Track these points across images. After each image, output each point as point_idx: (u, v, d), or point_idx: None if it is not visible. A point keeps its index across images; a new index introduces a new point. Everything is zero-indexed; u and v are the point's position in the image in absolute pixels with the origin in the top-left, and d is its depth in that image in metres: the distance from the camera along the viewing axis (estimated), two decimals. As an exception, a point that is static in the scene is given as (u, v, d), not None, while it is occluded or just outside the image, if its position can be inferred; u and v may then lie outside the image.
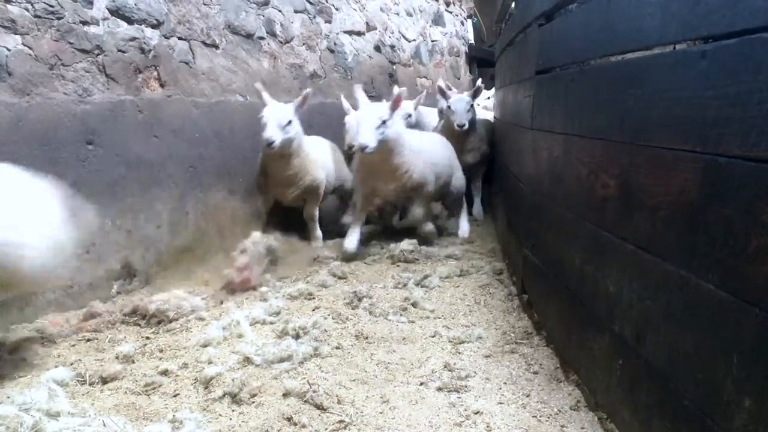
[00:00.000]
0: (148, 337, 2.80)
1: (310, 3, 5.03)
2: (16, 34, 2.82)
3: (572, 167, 2.40)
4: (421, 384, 2.34)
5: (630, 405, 1.80)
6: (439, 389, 2.29)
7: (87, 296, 3.13)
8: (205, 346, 2.65)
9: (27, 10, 2.85)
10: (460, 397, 2.22)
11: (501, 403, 2.18)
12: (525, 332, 2.85)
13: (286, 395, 2.21)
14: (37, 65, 2.91)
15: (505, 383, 2.35)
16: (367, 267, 4.01)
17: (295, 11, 4.84)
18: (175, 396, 2.23)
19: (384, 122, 3.77)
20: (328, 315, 3.03)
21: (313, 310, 3.14)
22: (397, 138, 3.93)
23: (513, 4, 4.89)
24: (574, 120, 2.45)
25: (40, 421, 1.83)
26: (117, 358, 2.52)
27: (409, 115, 5.01)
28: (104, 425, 1.88)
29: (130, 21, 3.39)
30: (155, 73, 3.58)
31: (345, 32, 5.51)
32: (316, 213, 4.46)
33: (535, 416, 2.10)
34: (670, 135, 1.61)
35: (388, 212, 5.14)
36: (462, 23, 8.15)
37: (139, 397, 2.22)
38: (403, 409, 2.14)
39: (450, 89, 5.52)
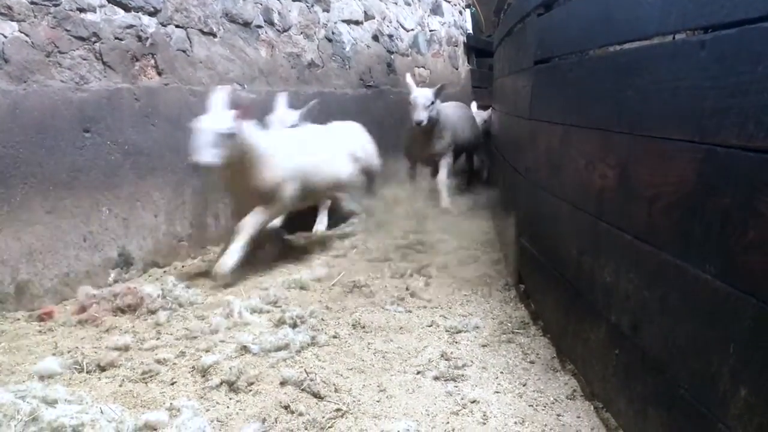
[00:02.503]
0: (145, 326, 2.79)
1: (308, -9, 5.00)
2: (12, 20, 2.79)
3: (570, 157, 2.40)
4: (418, 373, 2.35)
5: (626, 395, 1.81)
6: (436, 378, 2.30)
7: (84, 284, 3.11)
8: (202, 334, 2.65)
9: (23, -4, 2.83)
10: (456, 386, 2.23)
11: (497, 392, 2.19)
12: (522, 322, 2.85)
13: (283, 384, 2.21)
14: (33, 52, 2.89)
15: (501, 372, 2.36)
16: (365, 256, 4.01)
17: (293, 0, 4.81)
18: (172, 384, 2.24)
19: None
20: (326, 304, 3.03)
21: (311, 298, 3.13)
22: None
23: (511, -6, 4.86)
24: (572, 110, 2.44)
25: (38, 409, 1.82)
26: (114, 346, 2.52)
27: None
28: (102, 412, 1.88)
29: (127, 8, 3.37)
30: (152, 61, 3.56)
31: (343, 21, 5.47)
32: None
33: (532, 405, 2.11)
34: (668, 125, 1.61)
35: None
36: (460, 13, 8.08)
37: (137, 384, 2.22)
38: (400, 397, 2.15)
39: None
